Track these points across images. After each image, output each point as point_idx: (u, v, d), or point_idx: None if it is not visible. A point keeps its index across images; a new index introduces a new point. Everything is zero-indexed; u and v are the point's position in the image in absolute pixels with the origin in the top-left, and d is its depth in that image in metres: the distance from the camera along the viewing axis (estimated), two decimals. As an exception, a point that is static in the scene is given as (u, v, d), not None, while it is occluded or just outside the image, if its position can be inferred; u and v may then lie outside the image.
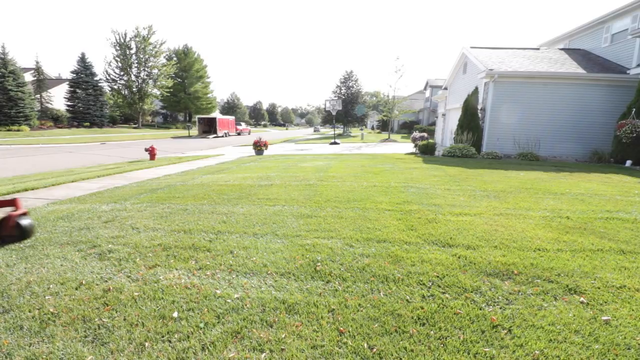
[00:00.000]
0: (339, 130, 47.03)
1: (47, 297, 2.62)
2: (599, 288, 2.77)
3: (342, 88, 42.69)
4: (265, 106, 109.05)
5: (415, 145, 16.15)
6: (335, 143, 24.76)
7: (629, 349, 2.05)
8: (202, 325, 2.26)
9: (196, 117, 40.73)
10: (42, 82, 36.46)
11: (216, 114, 50.62)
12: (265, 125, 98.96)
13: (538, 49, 17.71)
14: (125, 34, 39.67)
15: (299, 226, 4.30)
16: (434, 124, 33.13)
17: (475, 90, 14.84)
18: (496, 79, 13.72)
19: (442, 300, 2.56)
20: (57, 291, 2.72)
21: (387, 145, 23.43)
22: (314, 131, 70.08)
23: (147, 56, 41.23)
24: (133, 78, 40.89)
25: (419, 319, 2.33)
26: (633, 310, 2.46)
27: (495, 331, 2.21)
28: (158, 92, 44.40)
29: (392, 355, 1.98)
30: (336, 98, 36.26)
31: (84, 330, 2.22)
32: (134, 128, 42.12)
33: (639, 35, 12.42)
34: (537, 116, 13.88)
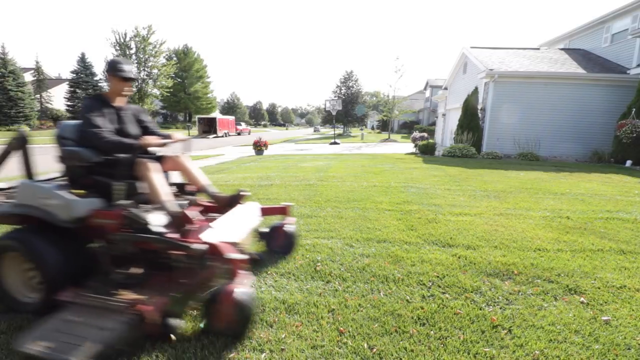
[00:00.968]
0: (339, 130, 46.99)
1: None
2: (599, 288, 2.77)
3: (342, 88, 42.66)
4: (265, 106, 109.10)
5: (415, 145, 16.15)
6: (335, 143, 24.75)
7: (629, 349, 2.05)
8: (202, 325, 2.26)
9: (196, 117, 40.75)
10: (42, 82, 36.50)
11: (216, 114, 50.60)
12: (265, 125, 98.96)
13: (538, 49, 17.72)
14: (125, 34, 39.65)
15: (299, 226, 4.30)
16: (434, 124, 33.12)
17: (475, 90, 14.84)
18: (496, 79, 13.72)
19: (442, 300, 2.56)
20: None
21: (387, 145, 23.44)
22: (314, 131, 70.05)
23: (146, 56, 41.17)
24: (133, 78, 40.86)
25: (419, 319, 2.33)
26: (633, 310, 2.46)
27: (496, 331, 2.20)
28: (158, 92, 44.35)
29: (392, 355, 1.98)
30: (336, 98, 36.23)
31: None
32: (134, 128, 42.06)
33: (639, 35, 12.42)
34: (537, 116, 13.88)
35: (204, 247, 2.10)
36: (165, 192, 2.49)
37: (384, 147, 22.00)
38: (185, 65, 51.47)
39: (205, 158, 14.18)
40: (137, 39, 40.04)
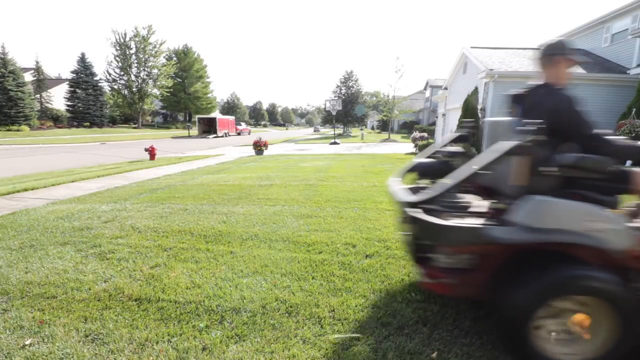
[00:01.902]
0: (339, 130, 46.98)
1: (47, 297, 2.62)
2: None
3: (342, 88, 42.67)
4: (265, 106, 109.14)
5: (415, 145, 16.15)
6: (335, 143, 24.75)
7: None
8: (202, 325, 2.26)
9: (196, 117, 40.76)
10: (42, 82, 36.44)
11: (216, 114, 50.60)
12: (265, 125, 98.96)
13: (538, 49, 17.68)
14: (125, 34, 39.68)
15: (299, 226, 4.30)
16: (434, 124, 33.10)
17: (475, 90, 14.84)
18: (496, 79, 13.71)
19: (444, 301, 2.56)
20: (56, 291, 2.71)
21: (387, 145, 23.43)
22: (314, 131, 70.04)
23: (146, 56, 41.24)
24: (133, 78, 40.91)
25: (420, 318, 2.33)
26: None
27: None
28: (158, 92, 44.40)
29: (395, 357, 1.98)
30: (336, 98, 36.23)
31: (84, 330, 2.22)
32: (134, 128, 42.12)
33: (639, 35, 12.42)
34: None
35: None
36: None
37: (384, 147, 21.99)
38: (185, 65, 51.47)
39: (205, 158, 14.18)
40: (137, 39, 40.08)
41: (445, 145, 2.78)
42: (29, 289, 2.74)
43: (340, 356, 1.98)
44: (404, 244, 2.97)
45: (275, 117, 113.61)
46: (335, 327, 2.25)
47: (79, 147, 20.74)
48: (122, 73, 40.38)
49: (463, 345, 2.07)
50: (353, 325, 2.27)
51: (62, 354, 2.00)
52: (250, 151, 16.74)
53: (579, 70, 13.68)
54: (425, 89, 43.82)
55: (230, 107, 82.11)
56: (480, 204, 2.30)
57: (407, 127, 45.67)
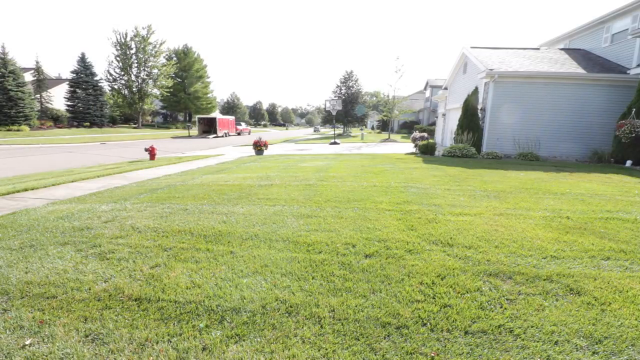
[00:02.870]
0: (339, 130, 47.00)
1: (47, 297, 2.62)
2: (600, 288, 2.76)
3: (342, 88, 42.68)
4: (265, 106, 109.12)
5: (415, 145, 16.15)
6: (335, 143, 24.75)
7: (632, 346, 2.05)
8: (202, 325, 2.26)
9: (196, 117, 40.76)
10: (42, 82, 36.43)
11: (216, 114, 50.62)
12: (265, 125, 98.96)
13: (538, 49, 17.71)
14: (126, 34, 39.68)
15: (299, 226, 4.30)
16: (434, 124, 33.11)
17: (475, 90, 14.84)
18: (496, 79, 13.71)
19: (444, 301, 2.56)
20: (56, 291, 2.71)
21: (387, 145, 23.43)
22: (314, 131, 70.07)
23: (146, 56, 41.22)
24: (133, 78, 40.91)
25: (420, 319, 2.33)
26: (637, 310, 2.46)
27: (498, 332, 2.20)
28: (158, 92, 44.38)
29: (394, 357, 1.98)
30: (336, 98, 36.25)
31: (84, 330, 2.22)
32: (134, 128, 42.11)
33: (639, 35, 12.42)
34: (537, 116, 13.88)
35: None
36: None
37: (384, 147, 21.99)
38: (185, 65, 51.47)
39: (205, 158, 14.18)
40: (137, 38, 40.06)
41: None
42: (29, 289, 2.74)
43: (340, 356, 1.98)
44: None
45: (275, 117, 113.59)
46: (335, 327, 2.25)
47: (79, 147, 20.74)
48: (122, 73, 40.39)
49: (463, 345, 2.07)
50: (353, 325, 2.27)
51: (62, 354, 2.00)
52: (250, 151, 16.73)
53: (579, 70, 13.68)
54: (425, 89, 43.82)
55: (230, 107, 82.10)
56: None
57: (407, 127, 45.69)
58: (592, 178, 8.55)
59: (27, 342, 2.10)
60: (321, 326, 2.25)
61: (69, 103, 36.29)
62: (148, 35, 40.83)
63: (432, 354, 1.99)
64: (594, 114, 13.54)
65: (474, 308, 2.45)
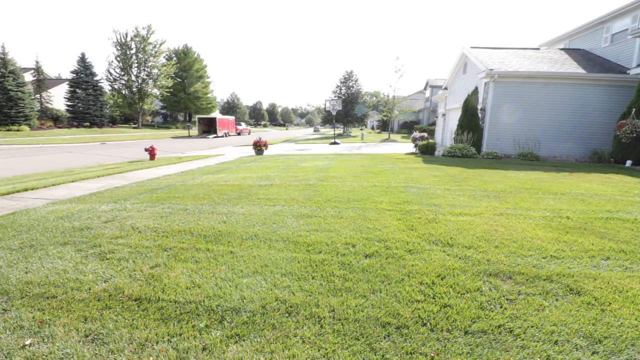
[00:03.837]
0: (339, 130, 47.01)
1: (47, 297, 2.62)
2: (600, 288, 2.76)
3: (342, 88, 42.67)
4: (265, 106, 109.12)
5: (415, 145, 16.15)
6: (335, 143, 24.75)
7: (632, 346, 2.05)
8: (202, 325, 2.26)
9: (196, 117, 40.76)
10: (42, 82, 36.41)
11: (216, 114, 50.61)
12: (265, 125, 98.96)
13: (538, 49, 17.71)
14: (126, 34, 39.69)
15: (299, 226, 4.30)
16: (434, 124, 33.11)
17: (475, 90, 14.84)
18: (496, 79, 13.71)
19: (444, 301, 2.56)
20: (56, 291, 2.71)
21: (387, 145, 23.43)
22: (314, 131, 70.08)
23: (146, 56, 41.23)
24: (133, 78, 40.92)
25: (420, 319, 2.33)
26: (637, 310, 2.46)
27: (498, 332, 2.20)
28: (158, 92, 44.39)
29: (394, 357, 1.98)
30: (336, 98, 36.26)
31: (84, 330, 2.22)
32: (134, 128, 42.11)
33: (639, 35, 12.42)
34: (537, 116, 13.88)
35: None
36: None
37: (383, 147, 21.99)
38: (185, 65, 51.47)
39: (205, 158, 14.18)
40: (137, 38, 40.07)
41: None
42: (29, 289, 2.74)
43: (340, 356, 1.98)
44: None
45: (275, 117, 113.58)
46: (335, 327, 2.25)
47: (78, 147, 20.74)
48: (122, 73, 40.40)
49: (463, 345, 2.07)
50: (353, 325, 2.27)
51: (62, 354, 2.00)
52: (250, 151, 16.73)
53: (579, 70, 13.68)
54: (425, 89, 43.82)
55: (230, 107, 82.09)
56: None
57: (407, 127, 45.68)
58: (592, 178, 8.55)
59: (27, 342, 2.10)
60: (321, 326, 2.25)
61: (69, 103, 36.29)
62: (148, 35, 40.84)
63: (432, 354, 1.99)
64: (594, 114, 13.54)
65: (474, 308, 2.45)
